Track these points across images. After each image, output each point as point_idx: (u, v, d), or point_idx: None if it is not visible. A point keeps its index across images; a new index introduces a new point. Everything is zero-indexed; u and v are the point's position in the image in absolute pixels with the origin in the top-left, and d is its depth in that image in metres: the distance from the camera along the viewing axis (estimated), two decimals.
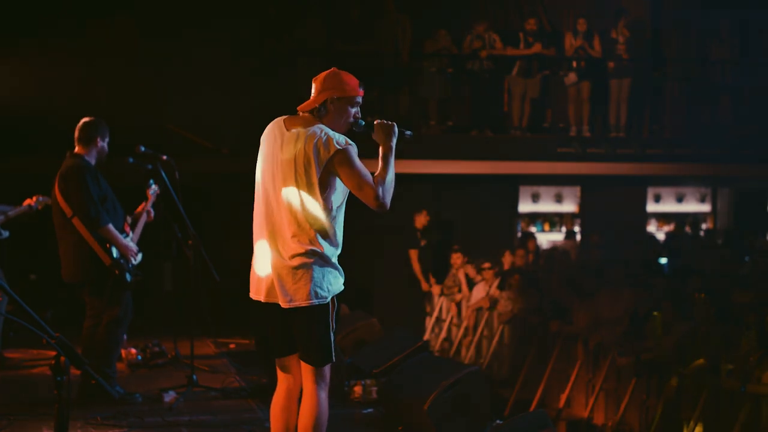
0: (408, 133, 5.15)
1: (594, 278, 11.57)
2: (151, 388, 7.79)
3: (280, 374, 5.04)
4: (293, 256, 4.75)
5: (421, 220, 13.97)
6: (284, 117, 4.95)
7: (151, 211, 7.83)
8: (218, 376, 8.27)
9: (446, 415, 6.49)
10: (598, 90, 15.27)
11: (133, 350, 9.09)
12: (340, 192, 4.85)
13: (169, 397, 7.47)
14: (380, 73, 14.46)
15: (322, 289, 4.77)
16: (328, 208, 4.79)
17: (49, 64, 12.64)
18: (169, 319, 9.99)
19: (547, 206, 16.81)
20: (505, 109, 15.25)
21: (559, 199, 16.80)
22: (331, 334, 4.85)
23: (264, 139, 4.95)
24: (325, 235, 4.79)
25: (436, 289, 13.75)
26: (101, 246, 7.17)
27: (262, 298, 4.89)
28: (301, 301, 4.74)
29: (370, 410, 7.32)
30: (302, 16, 14.44)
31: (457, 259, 13.51)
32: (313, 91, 4.90)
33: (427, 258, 13.95)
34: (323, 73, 4.91)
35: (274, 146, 4.85)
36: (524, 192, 16.49)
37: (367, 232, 13.97)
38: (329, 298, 4.82)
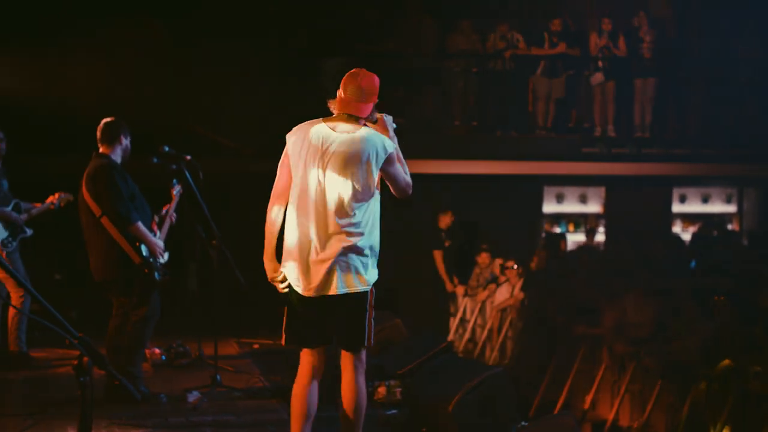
0: (395, 125, 5.52)
1: (619, 279, 11.49)
2: (175, 388, 7.81)
3: (306, 364, 5.31)
4: (345, 248, 5.09)
5: (445, 220, 13.95)
6: (323, 119, 5.22)
7: (174, 214, 7.83)
8: (242, 377, 8.28)
9: (471, 416, 6.47)
10: (623, 90, 15.19)
11: (157, 350, 9.11)
12: (379, 187, 5.25)
13: (193, 397, 7.47)
14: (404, 73, 14.44)
15: (368, 276, 5.17)
16: (375, 202, 5.21)
17: (75, 65, 12.68)
18: (193, 319, 10.01)
19: (571, 207, 16.72)
20: (530, 109, 15.20)
21: (583, 199, 16.71)
22: (371, 320, 5.23)
23: (302, 139, 5.17)
24: (373, 227, 5.20)
25: (460, 290, 13.72)
26: (131, 245, 7.16)
27: (306, 292, 5.12)
28: (351, 288, 5.11)
29: (394, 411, 7.30)
30: (326, 17, 14.43)
31: (486, 258, 13.49)
32: (352, 90, 5.17)
33: (452, 258, 13.93)
34: (370, 79, 5.21)
35: (320, 146, 5.12)
36: (548, 192, 16.42)
37: (392, 233, 13.97)
38: (371, 286, 5.21)
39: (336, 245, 5.08)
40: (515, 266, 12.82)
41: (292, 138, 5.21)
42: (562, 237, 14.56)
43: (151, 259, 7.25)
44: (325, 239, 5.09)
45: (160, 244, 7.40)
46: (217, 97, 12.73)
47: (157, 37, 13.29)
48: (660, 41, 15.24)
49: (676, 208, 16.91)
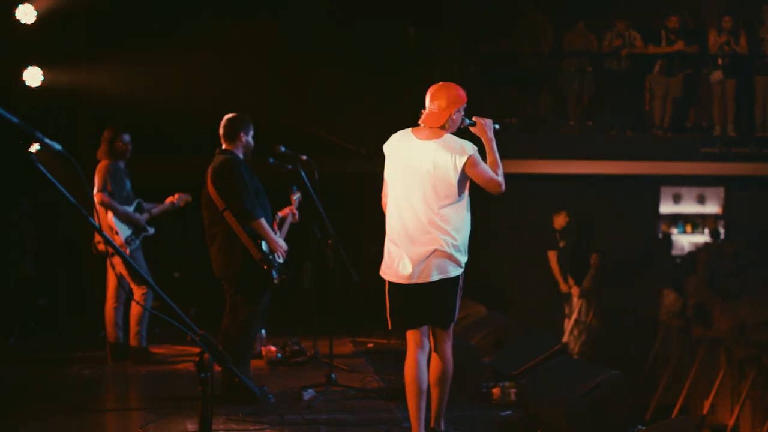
0: (497, 126, 6.14)
1: (736, 280, 11.25)
2: (290, 386, 7.88)
3: (413, 344, 5.95)
4: (437, 244, 5.73)
5: (560, 220, 13.83)
6: (410, 129, 5.90)
7: (296, 212, 7.90)
8: (356, 376, 8.30)
9: (585, 419, 6.40)
10: (744, 88, 14.84)
11: (273, 347, 9.21)
12: (466, 188, 5.85)
13: (308, 395, 7.53)
14: (520, 72, 14.37)
15: (457, 265, 5.82)
16: (461, 202, 5.82)
17: (194, 65, 12.91)
18: (309, 318, 10.09)
19: (688, 207, 16.42)
20: (647, 108, 14.96)
21: (701, 200, 16.39)
22: (459, 300, 5.98)
23: (394, 148, 5.90)
24: (459, 224, 5.81)
25: (575, 291, 13.58)
26: (252, 240, 7.15)
27: (404, 281, 5.81)
28: (444, 275, 5.77)
29: (508, 412, 7.25)
30: (442, 16, 14.44)
31: (597, 259, 13.34)
32: (432, 103, 5.83)
33: (566, 259, 13.80)
34: (443, 89, 5.86)
35: (409, 155, 5.80)
36: (665, 193, 16.15)
37: (506, 233, 13.92)
38: (461, 272, 5.87)
39: (425, 245, 5.74)
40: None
41: (386, 148, 5.93)
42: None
43: (270, 256, 7.25)
44: (416, 237, 5.76)
45: (282, 243, 7.40)
46: (330, 97, 12.83)
47: (270, 38, 13.46)
48: None
49: None
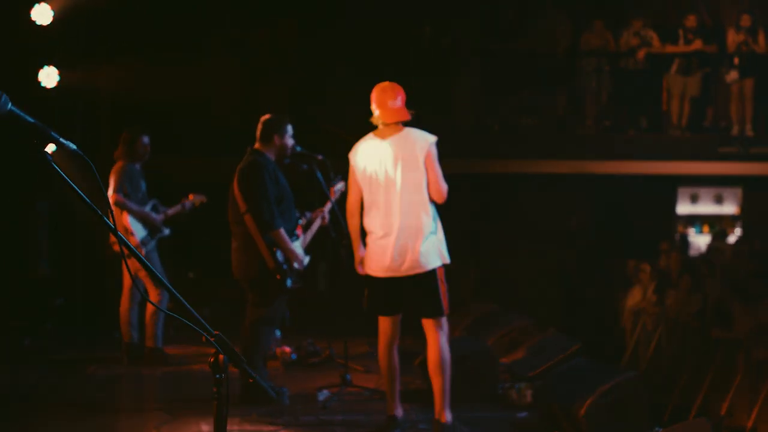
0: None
1: (755, 281, 11.17)
2: (305, 387, 7.87)
3: (386, 330, 6.34)
4: (423, 234, 6.08)
5: (576, 221, 13.79)
6: (371, 134, 6.29)
7: (327, 216, 7.84)
8: (372, 376, 8.29)
9: (603, 421, 6.36)
10: (763, 87, 14.75)
11: (288, 349, 9.20)
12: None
13: (324, 396, 7.52)
14: (537, 72, 14.34)
15: (442, 255, 6.18)
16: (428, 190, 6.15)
17: (211, 66, 12.93)
18: (323, 319, 10.08)
19: (706, 208, 16.35)
20: (664, 108, 14.90)
21: (719, 200, 16.32)
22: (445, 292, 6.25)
23: (362, 154, 6.27)
24: (435, 214, 6.22)
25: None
26: (268, 248, 7.11)
27: (386, 274, 6.17)
28: (433, 265, 6.11)
29: (524, 414, 7.22)
30: (455, 16, 14.42)
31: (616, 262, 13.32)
32: (392, 101, 6.16)
33: (583, 260, 13.76)
34: (395, 87, 6.22)
35: (379, 157, 6.16)
36: (683, 193, 16.09)
37: (522, 235, 13.89)
38: (439, 265, 6.18)
39: (401, 234, 6.08)
40: (648, 268, 12.57)
41: (352, 156, 6.32)
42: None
43: (285, 266, 7.18)
44: (392, 228, 6.10)
45: (299, 252, 7.32)
46: (347, 96, 12.83)
47: (291, 39, 13.46)
48: None
49: None
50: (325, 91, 13.06)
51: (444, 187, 6.17)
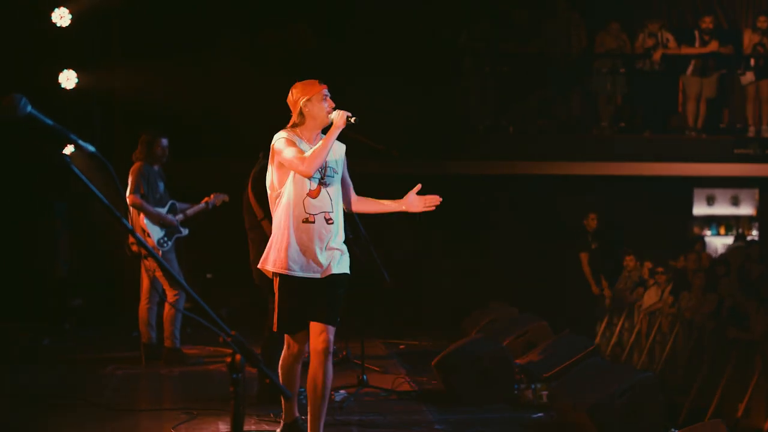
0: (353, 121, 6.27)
1: None
2: None
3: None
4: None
5: (591, 223, 13.78)
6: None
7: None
8: (388, 377, 8.31)
9: (617, 422, 6.37)
10: None
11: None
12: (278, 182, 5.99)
13: (340, 396, 7.55)
14: (551, 73, 14.35)
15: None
16: (282, 195, 6.03)
17: (228, 69, 12.97)
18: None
19: (722, 209, 16.31)
20: (680, 109, 14.88)
21: (735, 202, 16.27)
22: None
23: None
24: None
25: (607, 293, 13.53)
26: None
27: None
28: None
29: (540, 415, 7.23)
30: (468, 18, 14.43)
31: (631, 261, 13.28)
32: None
33: (598, 261, 13.75)
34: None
35: None
36: (699, 195, 16.06)
37: (537, 236, 13.89)
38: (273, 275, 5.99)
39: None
40: (664, 270, 12.57)
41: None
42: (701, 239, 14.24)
43: None
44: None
45: None
46: (362, 98, 12.85)
47: (301, 41, 13.49)
48: None
49: None
50: (342, 94, 13.07)
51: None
